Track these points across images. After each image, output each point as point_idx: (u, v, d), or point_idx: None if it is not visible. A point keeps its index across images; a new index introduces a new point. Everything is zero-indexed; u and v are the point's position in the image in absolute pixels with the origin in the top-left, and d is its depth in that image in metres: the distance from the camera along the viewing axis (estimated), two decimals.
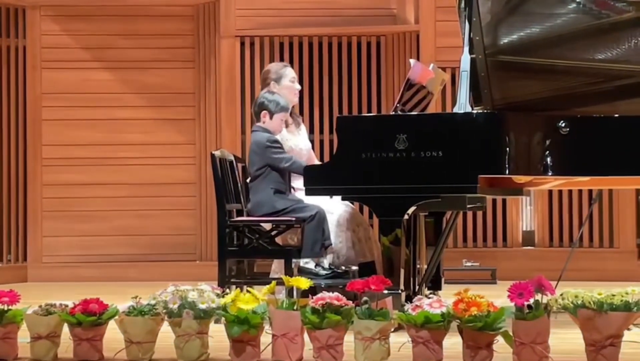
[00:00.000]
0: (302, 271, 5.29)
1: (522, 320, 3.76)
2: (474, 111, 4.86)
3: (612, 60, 5.06)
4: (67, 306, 4.14)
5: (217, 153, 5.41)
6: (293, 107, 5.81)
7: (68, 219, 8.37)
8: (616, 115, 4.92)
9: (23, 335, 4.19)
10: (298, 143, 5.76)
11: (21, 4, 8.40)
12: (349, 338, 3.94)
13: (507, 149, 4.71)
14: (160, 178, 8.44)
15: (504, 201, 8.07)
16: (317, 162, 5.92)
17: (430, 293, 5.27)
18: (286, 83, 5.75)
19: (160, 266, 8.25)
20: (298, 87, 5.84)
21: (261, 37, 8.35)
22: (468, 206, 4.97)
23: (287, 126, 5.65)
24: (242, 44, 8.36)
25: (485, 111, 4.90)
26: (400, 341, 3.93)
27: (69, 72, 8.42)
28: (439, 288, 5.50)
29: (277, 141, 5.41)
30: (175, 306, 3.98)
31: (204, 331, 4.02)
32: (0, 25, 8.34)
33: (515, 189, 5.40)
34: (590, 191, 7.90)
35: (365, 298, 3.93)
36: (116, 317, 4.08)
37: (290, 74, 5.80)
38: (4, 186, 8.31)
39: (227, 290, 4.52)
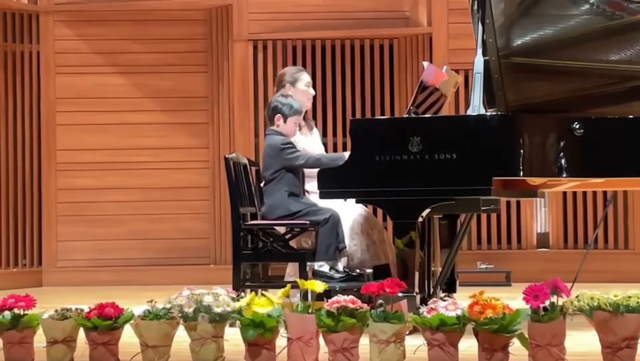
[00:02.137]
0: (317, 275, 5.28)
1: (538, 322, 3.75)
2: (488, 113, 4.86)
3: (626, 61, 5.05)
4: (82, 310, 4.15)
5: (230, 157, 5.42)
6: (306, 111, 5.82)
7: (83, 224, 8.40)
8: (631, 116, 4.90)
9: (39, 340, 4.21)
10: (310, 145, 5.76)
11: (34, 10, 8.43)
12: (364, 341, 3.94)
13: (521, 151, 4.70)
14: (174, 182, 8.46)
15: (518, 203, 8.05)
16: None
17: (445, 296, 5.27)
18: (301, 87, 5.76)
19: (174, 270, 8.27)
20: (312, 92, 5.84)
21: (274, 41, 8.36)
22: (482, 208, 4.96)
23: (299, 128, 5.65)
24: (255, 47, 8.37)
25: (499, 113, 4.89)
26: (415, 344, 3.93)
27: (82, 77, 8.45)
28: (454, 291, 5.49)
29: (290, 142, 5.41)
30: (191, 310, 3.99)
31: (220, 334, 4.03)
32: (14, 31, 8.37)
33: (529, 191, 5.39)
34: (605, 193, 7.88)
35: (380, 301, 3.93)
36: (132, 321, 4.09)
37: (305, 78, 5.81)
38: (19, 190, 8.33)
39: (242, 294, 4.53)
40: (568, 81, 5.08)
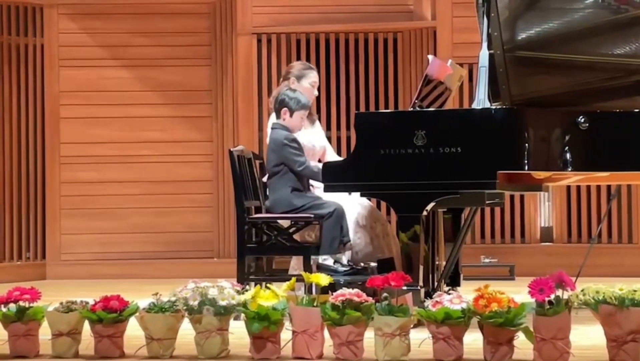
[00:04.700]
0: (321, 268, 5.28)
1: (543, 316, 3.76)
2: (493, 107, 4.85)
3: (631, 55, 5.04)
4: (87, 303, 4.16)
5: (235, 150, 5.41)
6: None
7: (86, 217, 8.40)
8: (636, 110, 4.90)
9: (44, 332, 4.21)
10: (311, 140, 5.75)
11: (38, 3, 8.43)
12: (369, 335, 3.95)
13: (526, 144, 4.70)
14: (178, 176, 8.46)
15: (522, 197, 8.05)
16: (335, 157, 5.90)
17: (449, 290, 5.26)
18: (305, 84, 5.73)
19: (178, 263, 8.27)
20: (316, 93, 5.83)
21: (278, 34, 8.35)
22: (487, 202, 4.96)
23: None
24: (259, 41, 8.36)
25: (504, 106, 4.89)
26: (420, 337, 3.93)
27: (86, 70, 8.45)
28: (458, 285, 5.49)
29: (295, 140, 5.39)
30: (196, 303, 3.99)
31: (224, 327, 4.03)
32: (18, 24, 8.37)
33: (533, 185, 5.38)
34: (608, 187, 7.87)
35: (385, 294, 3.93)
36: (137, 314, 4.09)
37: (312, 77, 5.77)
38: (23, 184, 8.34)
39: (247, 287, 4.53)
40: (573, 74, 5.07)
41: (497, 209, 8.02)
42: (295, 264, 5.55)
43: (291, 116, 5.41)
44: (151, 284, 5.46)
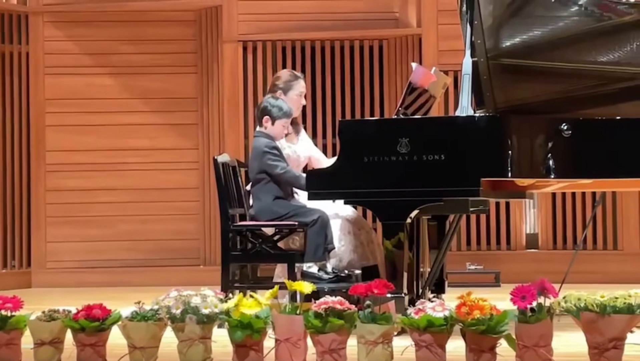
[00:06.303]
0: (306, 276, 5.29)
1: (525, 323, 3.76)
2: (477, 114, 4.86)
3: (615, 62, 5.06)
4: (70, 311, 4.15)
5: (220, 158, 5.41)
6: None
7: (72, 225, 8.38)
8: (618, 117, 4.92)
9: (27, 341, 4.20)
10: (296, 150, 5.75)
11: (24, 11, 8.42)
12: (352, 342, 3.95)
13: (510, 152, 4.71)
14: (164, 183, 8.45)
15: (507, 203, 8.06)
16: (329, 162, 5.89)
17: (434, 297, 5.28)
18: (293, 96, 5.72)
19: (164, 271, 8.25)
20: (303, 102, 5.82)
21: (264, 42, 8.36)
22: (471, 209, 4.97)
23: (286, 135, 5.61)
24: (245, 48, 8.37)
25: (488, 114, 4.90)
26: (403, 345, 3.94)
27: (72, 77, 8.43)
28: (443, 292, 5.50)
29: (275, 148, 5.39)
30: (178, 311, 3.99)
31: (207, 336, 4.03)
32: (3, 32, 8.36)
33: (518, 192, 5.40)
34: (593, 193, 7.90)
35: (368, 302, 3.94)
36: (119, 322, 4.08)
37: (299, 87, 5.75)
38: (8, 191, 8.31)
39: (230, 295, 4.53)
40: (556, 82, 5.09)
41: (483, 216, 8.04)
42: (280, 272, 5.54)
43: (273, 124, 5.42)
44: (137, 292, 5.46)
